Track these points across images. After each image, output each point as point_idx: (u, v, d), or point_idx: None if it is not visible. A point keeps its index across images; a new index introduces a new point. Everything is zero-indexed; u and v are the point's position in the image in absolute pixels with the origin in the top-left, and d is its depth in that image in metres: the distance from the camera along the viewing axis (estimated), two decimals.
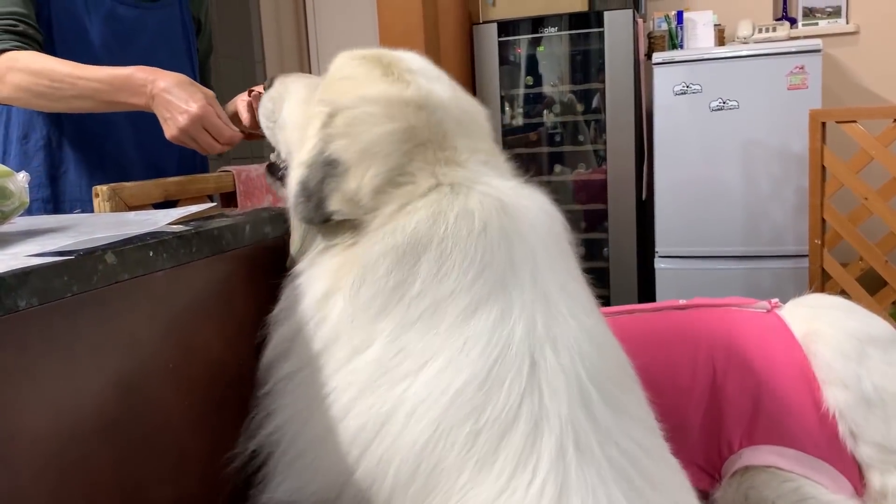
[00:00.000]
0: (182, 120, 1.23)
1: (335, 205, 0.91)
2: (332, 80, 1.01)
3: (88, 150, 1.47)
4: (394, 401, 0.80)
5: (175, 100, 1.23)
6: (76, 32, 1.42)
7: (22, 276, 0.63)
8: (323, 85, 1.02)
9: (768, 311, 1.26)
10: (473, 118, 1.02)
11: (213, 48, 1.79)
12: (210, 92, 1.28)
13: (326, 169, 0.92)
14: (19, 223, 0.96)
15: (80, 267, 0.69)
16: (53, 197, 1.46)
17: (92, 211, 1.31)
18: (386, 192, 0.90)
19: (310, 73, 4.31)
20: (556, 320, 0.85)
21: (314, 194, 0.92)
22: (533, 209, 0.93)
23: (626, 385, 0.89)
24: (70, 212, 1.45)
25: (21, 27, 1.33)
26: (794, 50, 3.28)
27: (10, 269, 0.63)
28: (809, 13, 4.03)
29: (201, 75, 1.71)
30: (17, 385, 0.63)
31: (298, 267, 0.98)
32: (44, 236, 0.84)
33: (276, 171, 1.12)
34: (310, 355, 0.89)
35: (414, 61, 1.02)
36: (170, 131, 1.25)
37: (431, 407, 0.79)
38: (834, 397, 1.11)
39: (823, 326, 1.18)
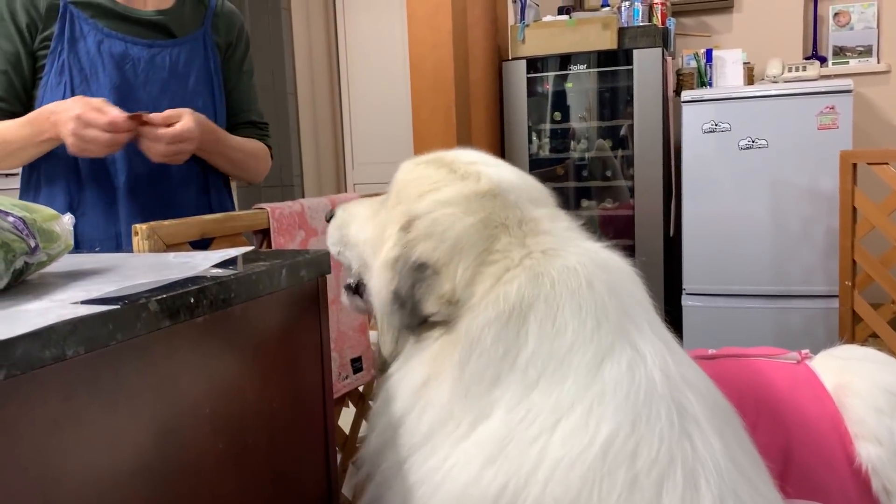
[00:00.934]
0: (69, 127, 1.29)
1: (431, 307, 0.93)
2: (402, 188, 1.05)
3: (105, 190, 1.52)
4: (533, 460, 0.80)
5: (63, 113, 1.30)
6: (88, 77, 1.47)
7: (70, 326, 0.65)
8: (394, 193, 1.05)
9: (798, 362, 1.25)
10: (542, 193, 1.07)
11: (248, 101, 1.78)
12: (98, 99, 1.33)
13: (416, 274, 0.94)
14: (63, 262, 0.98)
15: (125, 315, 0.71)
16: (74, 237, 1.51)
17: (111, 249, 1.37)
18: (479, 273, 0.92)
19: (340, 105, 4.38)
20: (684, 366, 0.87)
21: (408, 300, 0.94)
22: (625, 267, 0.97)
23: (741, 425, 0.91)
24: (90, 250, 1.49)
25: None
26: (824, 90, 3.27)
27: (60, 318, 0.65)
28: (840, 52, 4.03)
29: (244, 95, 1.75)
30: (63, 432, 0.65)
31: (393, 367, 1.00)
32: (88, 280, 0.86)
33: (358, 289, 1.16)
34: (418, 440, 0.90)
35: (471, 155, 1.07)
36: (69, 146, 1.32)
37: (578, 458, 0.78)
38: (867, 452, 1.10)
39: (856, 379, 1.17)
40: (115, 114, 1.33)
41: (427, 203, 0.97)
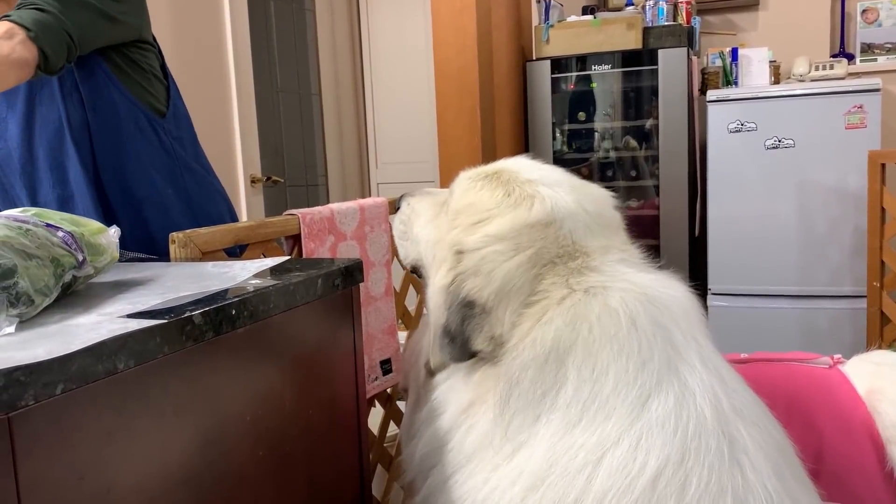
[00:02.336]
0: None
1: (480, 344, 0.94)
2: (459, 210, 1.04)
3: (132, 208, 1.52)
4: (579, 490, 0.81)
5: None
6: None
7: (121, 340, 0.68)
8: (452, 210, 1.06)
9: (831, 366, 1.25)
10: (601, 214, 1.04)
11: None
12: None
13: (465, 311, 0.95)
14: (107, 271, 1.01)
15: (171, 329, 0.74)
16: None
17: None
18: (520, 313, 0.93)
19: (364, 106, 4.40)
20: (737, 396, 0.87)
21: (457, 336, 0.96)
22: (678, 297, 0.95)
23: (794, 455, 0.91)
24: None
25: None
26: (851, 89, 3.25)
27: (111, 333, 0.68)
28: (868, 49, 3.99)
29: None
30: (117, 443, 0.68)
31: (440, 377, 1.04)
32: (132, 292, 0.89)
33: (416, 270, 1.23)
34: (461, 459, 0.93)
35: (532, 170, 1.05)
36: None
37: (627, 489, 0.79)
38: None
39: (888, 385, 1.17)
40: None
41: (478, 237, 0.98)
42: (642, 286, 0.93)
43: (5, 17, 1.25)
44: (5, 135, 1.46)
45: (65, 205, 1.47)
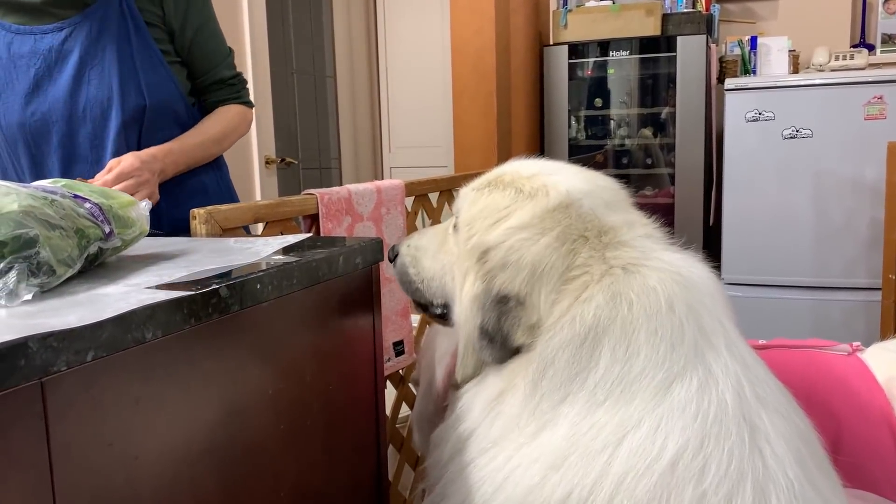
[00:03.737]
0: None
1: (520, 338, 0.93)
2: (472, 221, 1.02)
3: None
4: (598, 471, 0.81)
5: None
6: (3, 89, 1.44)
7: (149, 310, 0.68)
8: (463, 226, 1.03)
9: (850, 353, 1.25)
10: (616, 193, 1.05)
11: (210, 59, 1.64)
12: None
13: (500, 307, 0.93)
14: (135, 246, 1.02)
15: (198, 301, 0.74)
16: None
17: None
18: (561, 291, 0.91)
19: (378, 87, 4.39)
20: (760, 384, 0.86)
21: (496, 335, 0.94)
22: (706, 279, 0.94)
23: (818, 444, 0.90)
24: None
25: None
26: (871, 80, 3.22)
27: (140, 302, 0.68)
28: (889, 40, 3.95)
29: (205, 51, 1.62)
30: (145, 411, 0.68)
31: (468, 385, 1.01)
32: (159, 265, 0.90)
33: (444, 316, 1.14)
34: (485, 445, 0.92)
35: (529, 167, 1.05)
36: None
37: (646, 472, 0.79)
38: None
39: None
40: None
41: (500, 232, 0.96)
42: (676, 266, 0.92)
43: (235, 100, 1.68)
44: (43, 107, 1.45)
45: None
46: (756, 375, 0.87)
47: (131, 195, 1.32)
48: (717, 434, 0.80)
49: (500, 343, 0.94)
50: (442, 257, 1.10)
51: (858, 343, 1.27)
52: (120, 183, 1.35)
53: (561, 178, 1.01)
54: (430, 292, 1.14)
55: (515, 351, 0.94)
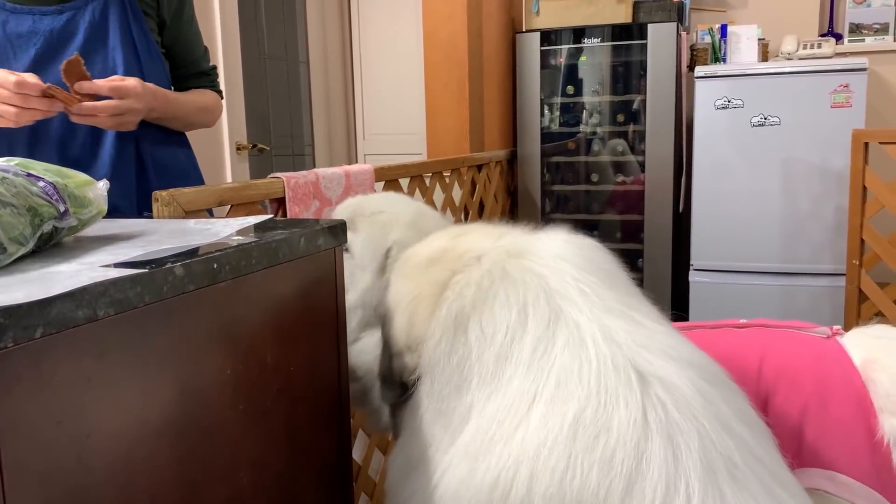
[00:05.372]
0: None
1: (407, 358, 1.07)
2: None
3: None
4: (516, 452, 0.83)
5: None
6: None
7: (101, 287, 0.68)
8: None
9: (829, 336, 1.26)
10: (422, 213, 1.29)
11: (193, 51, 1.71)
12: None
13: (387, 349, 1.10)
14: (92, 227, 1.01)
15: (152, 279, 0.74)
16: None
17: None
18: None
19: (352, 73, 4.37)
20: (637, 328, 0.88)
21: (393, 374, 1.09)
22: (549, 244, 0.99)
23: (732, 387, 0.89)
24: None
25: None
26: (838, 68, 3.26)
27: (91, 279, 0.68)
28: (856, 29, 3.99)
29: (190, 45, 1.69)
30: (95, 390, 0.68)
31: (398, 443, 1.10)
32: (115, 244, 0.89)
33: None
34: (412, 465, 0.99)
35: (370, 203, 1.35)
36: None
37: (555, 442, 0.81)
38: (891, 426, 1.11)
39: (885, 356, 1.17)
40: (28, 77, 1.27)
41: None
42: (505, 246, 1.00)
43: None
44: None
45: (94, 163, 1.49)
46: (632, 320, 0.89)
47: (118, 116, 1.36)
48: (608, 389, 0.82)
49: (399, 375, 1.07)
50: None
51: (839, 327, 1.28)
52: (115, 97, 1.36)
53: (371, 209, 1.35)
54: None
55: (412, 372, 1.04)
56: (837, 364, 1.20)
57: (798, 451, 1.14)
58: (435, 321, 0.98)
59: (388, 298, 1.10)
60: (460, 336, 0.93)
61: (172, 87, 1.66)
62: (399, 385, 1.06)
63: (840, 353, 1.22)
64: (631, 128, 3.79)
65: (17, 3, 1.44)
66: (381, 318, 1.10)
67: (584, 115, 3.87)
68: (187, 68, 1.70)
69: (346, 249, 1.31)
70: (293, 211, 1.60)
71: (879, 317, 2.80)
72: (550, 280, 0.92)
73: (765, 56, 3.79)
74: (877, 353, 1.19)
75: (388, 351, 1.08)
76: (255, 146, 3.47)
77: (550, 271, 0.94)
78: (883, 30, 3.96)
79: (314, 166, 4.23)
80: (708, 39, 3.80)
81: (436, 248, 1.09)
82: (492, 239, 1.07)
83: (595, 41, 3.73)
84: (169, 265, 0.76)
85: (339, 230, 1.10)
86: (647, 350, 0.85)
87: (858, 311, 2.83)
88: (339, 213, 1.35)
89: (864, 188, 2.80)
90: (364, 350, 1.27)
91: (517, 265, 0.96)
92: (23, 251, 0.77)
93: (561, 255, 0.97)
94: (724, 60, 3.72)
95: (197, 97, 1.69)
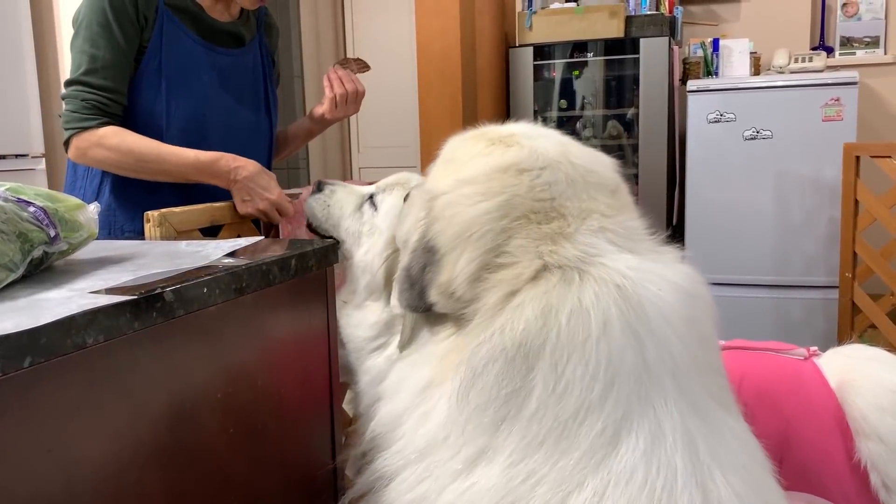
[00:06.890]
0: (262, 204, 1.46)
1: (434, 296, 0.88)
2: (437, 165, 1.00)
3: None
4: None
5: (256, 187, 1.45)
6: (187, 79, 1.55)
7: (90, 315, 0.68)
8: (433, 170, 1.01)
9: (806, 358, 1.26)
10: (591, 171, 0.92)
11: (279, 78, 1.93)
12: (273, 175, 1.51)
13: (427, 256, 0.89)
14: (82, 250, 1.01)
15: (142, 305, 0.74)
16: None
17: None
18: (483, 278, 0.84)
19: None
20: (716, 438, 0.78)
21: (417, 282, 0.91)
22: (663, 292, 0.82)
23: (776, 491, 0.85)
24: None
25: (112, 107, 1.46)
26: (829, 81, 3.28)
27: (81, 307, 0.68)
28: (847, 42, 4.02)
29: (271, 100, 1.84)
30: (84, 417, 0.68)
31: (406, 352, 0.99)
32: (105, 269, 0.89)
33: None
34: (411, 454, 0.86)
35: (519, 127, 0.98)
36: (246, 209, 1.46)
37: None
38: (867, 449, 1.11)
39: (860, 378, 1.17)
40: (292, 207, 1.52)
41: (449, 181, 0.91)
42: (621, 273, 0.81)
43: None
44: (217, 108, 1.65)
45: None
46: (714, 426, 0.79)
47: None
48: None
49: (418, 292, 0.90)
50: (350, 223, 1.23)
51: (815, 348, 1.28)
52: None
53: (534, 141, 0.93)
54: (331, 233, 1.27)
55: (428, 307, 0.90)
56: (815, 388, 1.20)
57: (778, 474, 1.14)
58: (498, 320, 0.81)
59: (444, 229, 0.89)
60: (522, 372, 0.77)
61: None
62: (418, 294, 0.90)
63: (816, 376, 1.22)
64: (624, 141, 3.80)
65: (199, 36, 1.58)
66: (438, 216, 0.90)
67: (578, 128, 3.88)
68: None
69: (373, 202, 1.24)
70: (286, 229, 1.60)
71: (872, 329, 2.81)
72: (649, 353, 0.78)
73: (757, 69, 3.81)
74: (852, 374, 1.19)
75: (431, 254, 0.89)
76: None
77: (652, 338, 0.79)
78: (874, 43, 3.99)
79: (309, 180, 4.23)
80: (700, 53, 3.83)
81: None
82: (601, 239, 0.86)
83: (588, 56, 3.75)
84: (158, 290, 0.77)
85: (330, 251, 1.11)
86: (719, 468, 0.76)
87: (852, 323, 2.84)
88: (386, 179, 1.26)
89: (857, 201, 2.81)
90: (360, 325, 1.18)
91: (623, 321, 0.78)
92: (13, 277, 0.77)
93: (667, 315, 0.80)
94: (717, 74, 3.74)
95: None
